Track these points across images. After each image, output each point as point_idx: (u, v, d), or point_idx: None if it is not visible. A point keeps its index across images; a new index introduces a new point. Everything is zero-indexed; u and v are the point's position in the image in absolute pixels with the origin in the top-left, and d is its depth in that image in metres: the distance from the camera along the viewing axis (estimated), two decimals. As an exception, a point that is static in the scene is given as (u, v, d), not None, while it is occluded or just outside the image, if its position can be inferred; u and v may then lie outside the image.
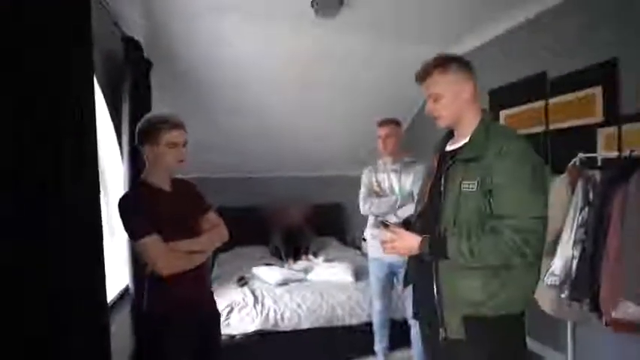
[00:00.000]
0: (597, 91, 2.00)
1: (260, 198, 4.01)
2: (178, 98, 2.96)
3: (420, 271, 1.19)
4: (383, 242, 1.17)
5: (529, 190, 0.99)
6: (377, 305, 2.26)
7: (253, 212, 3.89)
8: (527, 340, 2.43)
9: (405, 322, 2.25)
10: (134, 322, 1.78)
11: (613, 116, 1.92)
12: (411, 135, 3.38)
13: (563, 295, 1.73)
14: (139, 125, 1.31)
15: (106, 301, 1.15)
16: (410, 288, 1.31)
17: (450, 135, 1.25)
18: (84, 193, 0.98)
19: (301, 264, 3.19)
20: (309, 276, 2.85)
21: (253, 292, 2.49)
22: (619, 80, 1.89)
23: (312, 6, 2.38)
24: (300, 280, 2.77)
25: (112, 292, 1.63)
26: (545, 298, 1.82)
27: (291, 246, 3.49)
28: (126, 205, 1.25)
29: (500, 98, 2.65)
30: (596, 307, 1.61)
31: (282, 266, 3.12)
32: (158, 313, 1.29)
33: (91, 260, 1.02)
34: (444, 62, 1.13)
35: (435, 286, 1.09)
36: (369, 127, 3.32)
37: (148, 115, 1.33)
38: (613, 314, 1.50)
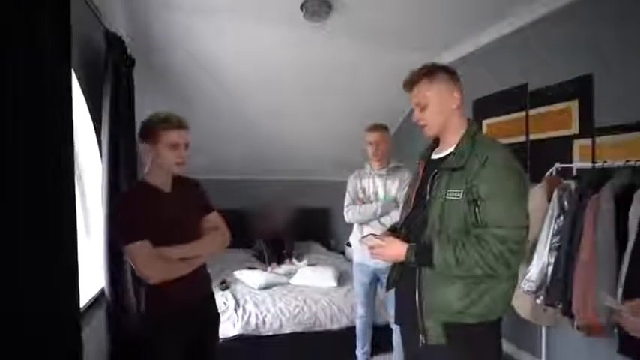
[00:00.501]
0: (574, 104, 2.08)
1: (244, 201, 3.97)
2: (162, 97, 2.90)
3: (403, 277, 1.21)
4: (370, 248, 1.17)
5: (513, 200, 1.01)
6: (360, 310, 2.27)
7: (237, 215, 3.83)
8: (504, 343, 2.50)
9: (386, 327, 2.27)
10: (110, 324, 1.72)
11: (588, 128, 2.00)
12: (398, 141, 3.43)
13: (538, 301, 1.78)
14: (142, 122, 1.28)
15: (79, 302, 1.10)
16: (392, 292, 1.33)
17: (435, 143, 1.26)
18: (58, 193, 0.94)
19: (284, 268, 3.17)
20: (292, 280, 2.83)
21: (235, 296, 2.46)
22: (593, 95, 1.97)
23: (302, 10, 2.39)
24: (282, 284, 2.75)
25: (87, 294, 1.57)
26: (522, 304, 1.88)
27: (275, 249, 3.47)
28: (117, 207, 1.22)
29: (483, 108, 2.73)
30: (568, 312, 1.67)
31: (265, 270, 3.09)
32: (154, 315, 1.25)
33: (65, 261, 0.98)
34: (431, 71, 1.14)
35: (416, 293, 1.10)
36: (355, 132, 3.35)
37: (151, 114, 1.30)
38: (582, 314, 1.56)
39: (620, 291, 1.45)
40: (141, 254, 1.15)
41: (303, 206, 4.17)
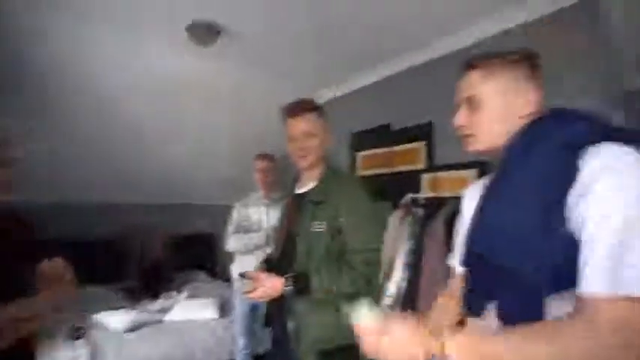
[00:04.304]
0: (422, 144, 2.56)
1: (115, 228, 3.47)
2: (23, 108, 2.39)
3: (278, 309, 1.22)
4: (246, 292, 1.15)
5: (373, 227, 1.18)
6: (240, 341, 2.20)
7: (105, 245, 3.32)
8: None
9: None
10: None
11: (431, 165, 2.48)
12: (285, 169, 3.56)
13: (396, 313, 2.05)
14: None
15: None
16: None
17: (298, 177, 1.35)
18: None
19: (160, 303, 2.85)
20: (168, 316, 2.57)
21: (91, 345, 2.07)
22: (434, 138, 2.47)
23: (187, 30, 2.32)
24: (155, 323, 2.46)
25: None
26: (384, 317, 2.12)
27: (150, 283, 3.10)
28: None
29: (357, 141, 3.09)
30: (418, 321, 1.97)
31: (136, 307, 2.72)
32: None
33: None
34: (317, 106, 1.24)
35: (290, 324, 1.14)
36: (240, 156, 3.33)
37: None
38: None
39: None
40: None
41: (186, 232, 3.89)
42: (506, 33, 2.07)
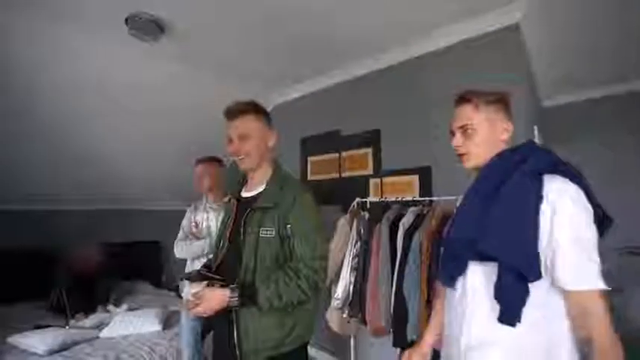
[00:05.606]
0: (369, 150, 2.66)
1: (46, 237, 3.12)
2: None
3: (219, 320, 1.17)
4: (192, 309, 1.09)
5: (319, 235, 1.16)
6: (185, 354, 2.09)
7: (31, 256, 3.00)
8: (321, 354, 2.78)
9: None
10: None
11: (378, 170, 2.58)
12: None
13: (344, 315, 2.10)
14: None
15: None
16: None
17: (244, 180, 1.32)
18: None
19: (95, 318, 2.61)
20: (103, 332, 2.36)
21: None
22: (381, 145, 2.58)
23: (127, 24, 2.18)
24: (88, 341, 2.25)
25: None
26: (333, 319, 2.17)
27: (83, 296, 2.83)
28: None
29: (308, 146, 3.12)
30: (364, 321, 2.04)
31: (66, 325, 2.47)
32: None
33: None
34: (256, 108, 1.21)
35: (235, 335, 1.11)
36: (189, 159, 3.18)
37: None
38: (372, 320, 1.94)
39: (393, 299, 1.88)
40: None
41: (130, 239, 3.63)
42: (448, 48, 2.23)
